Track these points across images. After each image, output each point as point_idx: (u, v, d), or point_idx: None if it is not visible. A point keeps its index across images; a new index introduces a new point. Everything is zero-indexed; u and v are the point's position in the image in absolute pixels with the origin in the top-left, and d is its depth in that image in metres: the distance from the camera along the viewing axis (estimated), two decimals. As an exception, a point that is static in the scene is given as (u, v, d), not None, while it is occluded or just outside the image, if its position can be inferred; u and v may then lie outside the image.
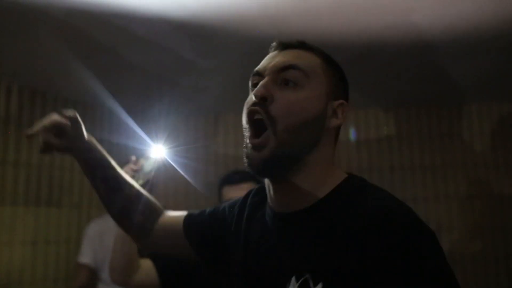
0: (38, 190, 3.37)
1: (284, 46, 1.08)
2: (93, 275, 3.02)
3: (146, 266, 1.88)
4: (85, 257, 3.04)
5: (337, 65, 1.09)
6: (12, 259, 3.18)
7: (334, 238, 0.94)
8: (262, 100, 0.99)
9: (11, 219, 3.20)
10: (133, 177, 1.67)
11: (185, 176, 1.68)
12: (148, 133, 1.65)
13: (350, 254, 0.89)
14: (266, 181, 1.08)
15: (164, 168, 1.65)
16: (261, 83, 1.01)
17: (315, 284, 0.92)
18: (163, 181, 2.30)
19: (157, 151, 1.64)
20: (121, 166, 1.78)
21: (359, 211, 0.93)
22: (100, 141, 1.30)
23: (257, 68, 1.07)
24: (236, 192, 1.89)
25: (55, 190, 3.48)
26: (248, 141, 1.02)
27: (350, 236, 0.91)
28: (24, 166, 3.29)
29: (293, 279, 0.95)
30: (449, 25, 2.47)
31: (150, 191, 1.44)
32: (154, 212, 1.32)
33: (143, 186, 1.66)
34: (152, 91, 3.44)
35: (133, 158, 1.71)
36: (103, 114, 3.84)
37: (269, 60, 1.07)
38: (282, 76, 1.01)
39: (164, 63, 2.88)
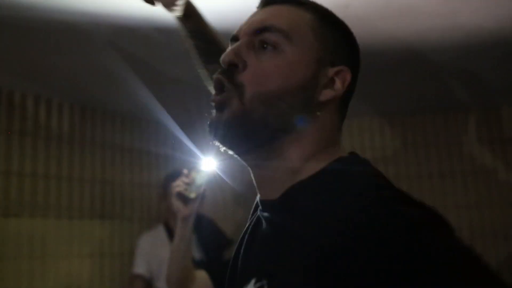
0: (92, 203, 3.47)
1: (266, 1, 0.89)
2: (147, 286, 3.06)
3: (202, 277, 1.90)
4: (139, 268, 3.08)
5: (337, 22, 0.88)
6: (71, 272, 3.27)
7: (301, 240, 0.73)
8: (231, 67, 0.81)
9: (68, 232, 3.30)
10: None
11: (235, 188, 1.69)
12: (198, 146, 1.65)
13: (320, 264, 0.67)
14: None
15: (215, 181, 1.66)
16: (231, 46, 0.84)
17: None
18: (213, 193, 2.33)
19: (208, 164, 1.65)
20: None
21: (337, 209, 0.71)
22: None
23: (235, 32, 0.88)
24: None
25: (107, 204, 3.56)
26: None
27: (322, 241, 0.69)
28: (78, 181, 3.38)
29: (252, 282, 0.78)
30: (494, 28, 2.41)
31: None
32: None
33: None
34: (202, 105, 3.47)
35: (185, 171, 1.73)
36: (154, 128, 3.90)
37: (247, 20, 0.87)
38: (259, 38, 0.82)
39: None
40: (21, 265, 3.05)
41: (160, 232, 3.09)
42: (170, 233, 2.94)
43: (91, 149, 3.47)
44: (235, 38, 0.86)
